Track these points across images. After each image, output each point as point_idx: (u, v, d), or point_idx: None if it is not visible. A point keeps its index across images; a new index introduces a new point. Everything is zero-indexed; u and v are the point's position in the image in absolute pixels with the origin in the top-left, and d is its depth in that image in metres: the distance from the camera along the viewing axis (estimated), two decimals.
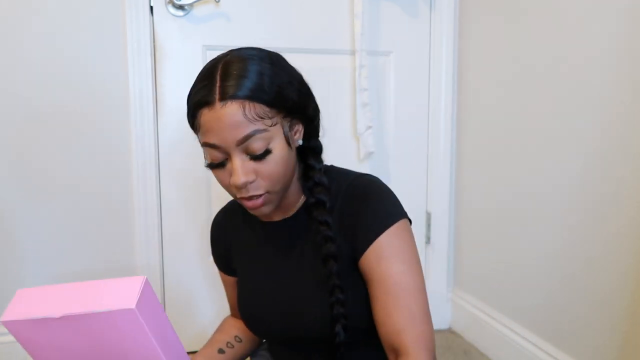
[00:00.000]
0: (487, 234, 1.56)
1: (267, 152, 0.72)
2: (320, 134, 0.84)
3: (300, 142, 0.79)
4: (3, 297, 1.44)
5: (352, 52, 1.59)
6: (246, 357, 1.00)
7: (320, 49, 1.58)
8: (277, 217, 0.86)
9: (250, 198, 0.74)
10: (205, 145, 0.73)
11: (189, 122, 0.75)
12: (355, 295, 0.78)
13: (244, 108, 0.69)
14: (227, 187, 0.75)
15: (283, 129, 0.74)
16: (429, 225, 1.74)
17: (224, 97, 0.69)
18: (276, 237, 0.86)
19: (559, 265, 1.27)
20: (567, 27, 1.21)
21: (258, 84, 0.70)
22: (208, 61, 0.75)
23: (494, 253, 1.53)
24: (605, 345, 1.14)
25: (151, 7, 1.45)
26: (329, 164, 0.87)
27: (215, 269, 1.02)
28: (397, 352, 0.72)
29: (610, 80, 1.10)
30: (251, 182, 0.72)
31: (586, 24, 1.16)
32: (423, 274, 0.78)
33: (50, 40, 1.39)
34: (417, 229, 1.72)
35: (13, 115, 1.39)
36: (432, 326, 0.75)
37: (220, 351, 0.93)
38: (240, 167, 0.71)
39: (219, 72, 0.70)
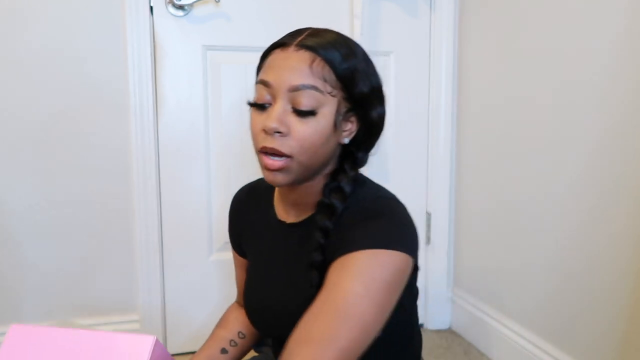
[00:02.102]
0: (487, 234, 1.56)
1: (312, 113, 0.69)
2: (372, 151, 0.80)
3: (347, 140, 0.75)
4: (3, 296, 1.44)
5: None
6: (249, 350, 0.98)
7: None
8: (293, 219, 0.81)
9: (272, 154, 0.69)
10: (259, 82, 0.72)
11: (258, 67, 0.76)
12: None
13: (313, 61, 0.69)
14: (257, 133, 0.71)
15: (338, 107, 0.72)
16: (429, 226, 1.74)
17: (300, 45, 0.70)
18: (288, 237, 0.82)
19: (559, 265, 1.27)
20: (568, 27, 1.21)
21: (338, 51, 0.71)
22: None
23: (494, 253, 1.53)
24: (605, 345, 1.14)
25: (151, 7, 1.45)
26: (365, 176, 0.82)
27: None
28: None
29: (611, 79, 1.10)
30: (281, 134, 0.69)
31: (587, 23, 1.16)
32: (381, 323, 0.65)
33: (49, 40, 1.39)
34: (418, 229, 1.71)
35: (11, 116, 1.38)
36: None
37: (223, 351, 0.92)
38: (279, 113, 0.69)
39: (308, 30, 0.73)
